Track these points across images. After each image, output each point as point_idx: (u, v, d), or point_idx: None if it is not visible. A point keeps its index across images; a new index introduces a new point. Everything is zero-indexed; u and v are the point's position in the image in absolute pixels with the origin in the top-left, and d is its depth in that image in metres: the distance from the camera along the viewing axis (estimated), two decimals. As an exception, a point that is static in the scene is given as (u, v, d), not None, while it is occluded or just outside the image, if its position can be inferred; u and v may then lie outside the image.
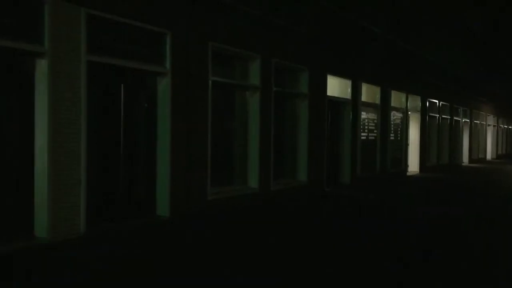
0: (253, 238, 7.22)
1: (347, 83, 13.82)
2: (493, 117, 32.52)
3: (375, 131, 15.62)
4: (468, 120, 26.44)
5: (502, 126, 35.33)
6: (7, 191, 6.25)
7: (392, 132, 16.87)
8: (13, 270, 5.32)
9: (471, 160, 26.66)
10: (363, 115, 14.75)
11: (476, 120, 28.49)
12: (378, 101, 15.71)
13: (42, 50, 6.27)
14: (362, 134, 14.70)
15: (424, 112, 19.80)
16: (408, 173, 18.33)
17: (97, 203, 7.17)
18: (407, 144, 18.41)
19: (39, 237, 6.32)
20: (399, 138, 17.60)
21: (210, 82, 8.84)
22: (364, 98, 14.60)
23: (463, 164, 25.19)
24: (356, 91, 14.11)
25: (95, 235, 6.75)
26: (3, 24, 6.00)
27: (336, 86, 13.31)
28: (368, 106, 15.05)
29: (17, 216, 6.31)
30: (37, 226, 6.35)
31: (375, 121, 15.64)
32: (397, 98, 17.26)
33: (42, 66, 6.31)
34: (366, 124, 15.05)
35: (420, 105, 19.46)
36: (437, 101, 21.42)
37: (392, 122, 16.83)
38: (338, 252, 6.43)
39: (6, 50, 6.04)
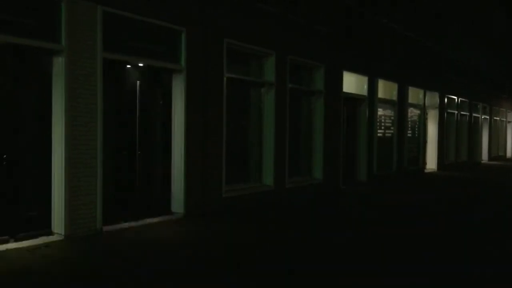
0: (268, 237, 7.20)
1: (364, 80, 13.69)
2: (514, 113, 31.90)
3: (392, 128, 15.45)
4: (487, 117, 25.99)
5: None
6: (26, 188, 6.34)
7: (409, 129, 16.68)
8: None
9: (490, 157, 26.23)
10: (380, 112, 14.60)
11: (496, 117, 28.00)
12: (395, 98, 15.53)
13: (59, 48, 6.34)
14: (379, 131, 14.56)
15: (442, 109, 19.52)
16: (425, 171, 18.11)
17: (113, 200, 7.23)
18: (424, 141, 18.18)
19: (57, 233, 6.40)
20: (416, 135, 17.38)
21: (225, 79, 8.84)
22: (380, 94, 14.45)
23: (482, 161, 24.78)
24: (372, 87, 13.97)
25: (111, 232, 6.82)
26: (21, 23, 6.08)
27: (352, 83, 13.20)
28: (385, 102, 14.90)
29: (35, 212, 6.40)
30: (55, 222, 6.44)
31: (392, 118, 15.47)
32: (414, 95, 17.04)
33: (59, 64, 6.38)
34: (383, 121, 14.89)
35: (438, 101, 19.19)
36: (455, 98, 21.09)
37: (409, 119, 16.63)
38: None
39: (24, 48, 6.13)
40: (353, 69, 13.04)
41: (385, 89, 14.93)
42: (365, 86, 13.74)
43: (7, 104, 6.12)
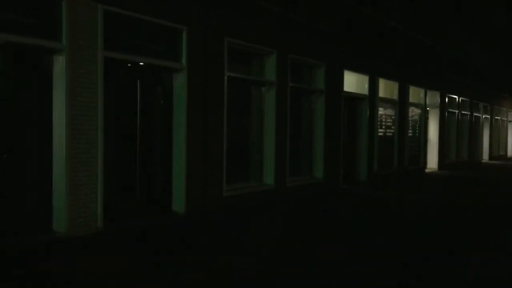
0: (266, 236, 7.20)
1: (364, 79, 13.68)
2: (515, 113, 31.88)
3: (392, 127, 15.44)
4: (488, 116, 25.97)
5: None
6: (26, 187, 6.34)
7: (410, 128, 16.67)
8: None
9: (491, 157, 26.21)
10: (381, 111, 14.59)
11: (497, 116, 27.98)
12: (396, 97, 15.52)
13: (60, 47, 6.33)
14: (380, 130, 14.55)
15: (443, 108, 19.50)
16: (426, 170, 18.10)
17: (113, 199, 7.23)
18: (425, 141, 18.16)
19: (58, 232, 6.40)
20: (417, 134, 17.37)
21: (226, 77, 8.83)
22: (381, 93, 14.44)
23: (483, 161, 24.77)
24: (373, 86, 13.96)
25: (112, 232, 6.82)
26: (22, 22, 6.07)
27: (353, 82, 13.19)
28: (386, 102, 14.89)
29: (36, 211, 6.40)
30: (56, 221, 6.44)
31: (393, 117, 15.46)
32: (415, 94, 17.03)
33: (59, 63, 6.38)
34: (384, 120, 14.89)
35: (439, 100, 19.18)
36: (456, 97, 21.08)
37: (410, 118, 16.62)
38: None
39: (25, 47, 6.13)
40: (354, 68, 13.03)
41: (386, 88, 14.92)
42: (366, 85, 13.73)
43: (8, 103, 6.12)
